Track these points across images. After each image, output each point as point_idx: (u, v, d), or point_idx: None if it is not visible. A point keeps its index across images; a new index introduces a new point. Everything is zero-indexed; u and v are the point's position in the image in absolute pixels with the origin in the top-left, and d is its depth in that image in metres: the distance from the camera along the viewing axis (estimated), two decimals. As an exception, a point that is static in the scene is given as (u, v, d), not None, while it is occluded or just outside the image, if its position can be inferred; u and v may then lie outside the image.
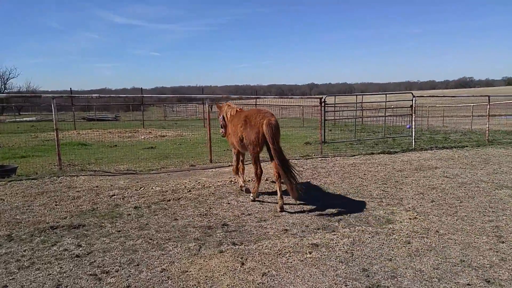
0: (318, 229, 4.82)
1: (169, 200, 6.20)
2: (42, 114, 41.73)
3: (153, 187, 7.11)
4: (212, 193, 6.63)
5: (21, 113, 44.35)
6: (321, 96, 10.95)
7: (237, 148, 6.45)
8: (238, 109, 6.69)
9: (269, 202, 6.08)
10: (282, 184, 5.68)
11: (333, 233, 4.66)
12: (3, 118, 33.75)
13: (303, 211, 5.57)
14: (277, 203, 5.70)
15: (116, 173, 8.61)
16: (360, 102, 11.42)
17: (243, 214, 5.48)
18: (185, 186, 7.17)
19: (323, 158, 10.31)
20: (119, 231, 4.75)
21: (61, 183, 7.52)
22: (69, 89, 22.88)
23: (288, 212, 5.55)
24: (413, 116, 12.05)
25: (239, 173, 6.85)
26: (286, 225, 4.97)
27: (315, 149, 12.37)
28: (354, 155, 10.81)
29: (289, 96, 13.85)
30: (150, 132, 19.98)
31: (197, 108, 43.29)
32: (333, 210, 5.58)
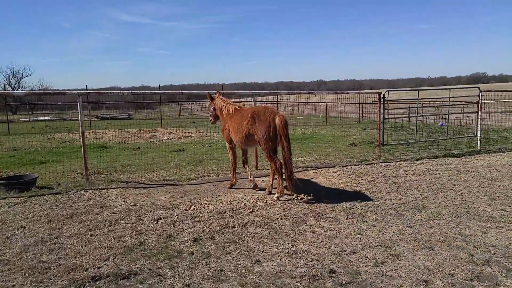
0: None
1: (234, 227, 4.81)
2: (55, 113, 40.84)
3: (205, 205, 5.73)
4: (283, 215, 5.22)
5: (34, 112, 43.49)
6: (380, 91, 9.46)
7: (238, 144, 6.61)
8: (237, 107, 6.87)
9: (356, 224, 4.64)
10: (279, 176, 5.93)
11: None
12: (16, 117, 32.80)
13: (432, 249, 4.13)
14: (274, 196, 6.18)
15: (152, 185, 7.25)
16: (421, 99, 9.85)
17: (344, 251, 4.06)
18: (244, 204, 5.77)
19: (386, 164, 8.84)
20: (188, 286, 3.35)
21: (90, 199, 6.17)
22: (85, 87, 21.63)
23: (409, 249, 4.11)
24: (479, 114, 10.48)
25: (235, 170, 7.04)
26: (419, 271, 3.54)
27: (367, 152, 10.90)
28: (419, 159, 9.32)
29: (345, 92, 12.38)
30: (172, 132, 18.65)
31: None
32: (472, 248, 4.13)
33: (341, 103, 30.91)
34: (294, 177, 5.84)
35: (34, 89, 57.29)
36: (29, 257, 4.04)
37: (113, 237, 4.51)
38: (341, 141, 13.58)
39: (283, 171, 5.93)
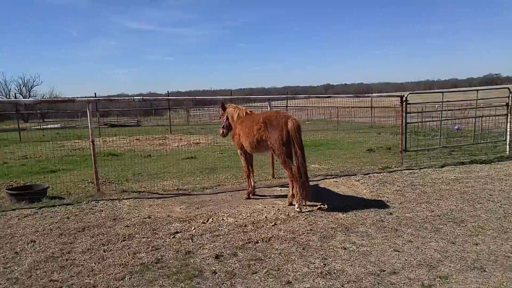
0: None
1: (257, 242, 4.44)
2: (65, 120, 40.98)
3: (224, 218, 5.37)
4: (309, 229, 4.84)
5: (45, 120, 43.72)
6: (401, 94, 9.06)
7: (248, 150, 6.30)
8: (248, 111, 6.67)
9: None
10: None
11: None
12: (28, 125, 32.93)
13: (483, 270, 3.70)
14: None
15: (166, 195, 6.92)
16: (446, 101, 9.39)
17: (382, 270, 3.66)
18: (265, 217, 5.40)
19: (410, 171, 8.40)
20: (216, 311, 2.99)
21: (102, 211, 5.85)
22: (94, 94, 21.55)
23: (457, 270, 3.69)
24: (509, 116, 9.99)
25: (250, 176, 6.63)
26: (473, 298, 3.13)
27: (386, 158, 10.48)
28: (444, 166, 8.86)
29: (367, 95, 12.01)
30: (181, 139, 18.39)
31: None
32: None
33: (353, 107, 30.43)
34: (308, 186, 5.52)
35: (44, 97, 57.80)
36: (39, 275, 3.72)
37: (128, 253, 4.17)
38: (358, 147, 13.15)
39: (297, 177, 5.55)
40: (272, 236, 4.61)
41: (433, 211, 5.49)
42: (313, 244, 4.36)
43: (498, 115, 10.42)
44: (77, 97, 6.46)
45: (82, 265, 3.91)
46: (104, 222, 5.28)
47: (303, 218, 5.28)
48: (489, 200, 6.00)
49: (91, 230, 4.96)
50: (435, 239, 4.42)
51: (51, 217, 5.59)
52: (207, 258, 4.01)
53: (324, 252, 4.12)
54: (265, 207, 5.92)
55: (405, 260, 3.87)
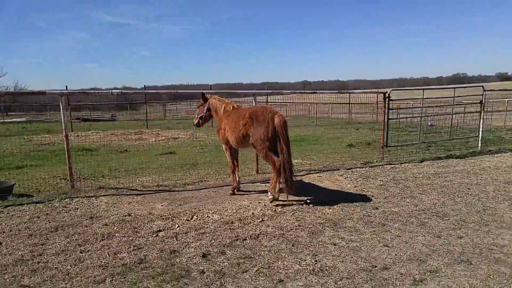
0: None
1: (245, 239, 4.28)
2: (31, 114, 39.22)
3: (209, 215, 5.17)
4: (298, 225, 4.72)
5: (8, 113, 41.64)
6: (385, 90, 9.09)
7: (234, 145, 6.13)
8: (235, 106, 6.47)
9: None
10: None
11: None
12: (-9, 119, 31.20)
13: (470, 263, 3.70)
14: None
15: (146, 191, 6.63)
16: (426, 98, 9.51)
17: (374, 266, 3.59)
18: (252, 213, 5.24)
19: (391, 166, 8.46)
20: (206, 315, 2.81)
21: (77, 209, 5.52)
22: (65, 88, 20.62)
23: (446, 263, 3.67)
24: (482, 114, 10.26)
25: (236, 172, 6.48)
26: (468, 292, 3.10)
27: (366, 153, 10.54)
28: (423, 161, 8.99)
29: (349, 91, 12.01)
30: (158, 134, 17.94)
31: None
32: None
33: (333, 103, 30.75)
34: (292, 181, 5.47)
35: (8, 89, 54.97)
36: (7, 280, 3.41)
37: (108, 254, 3.91)
38: (338, 142, 13.20)
39: (282, 173, 5.46)
40: (261, 232, 4.46)
41: (417, 206, 5.50)
42: (302, 240, 4.25)
43: (472, 112, 10.70)
44: (48, 90, 5.98)
45: (56, 268, 3.62)
46: (79, 221, 4.97)
47: (290, 214, 5.16)
48: (468, 194, 6.09)
49: (65, 229, 4.64)
50: (421, 233, 4.40)
51: (19, 216, 5.20)
52: (194, 257, 3.82)
53: (314, 248, 4.01)
54: (251, 203, 5.76)
55: (395, 255, 3.82)
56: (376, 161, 9.01)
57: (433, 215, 5.05)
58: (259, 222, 4.86)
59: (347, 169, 8.17)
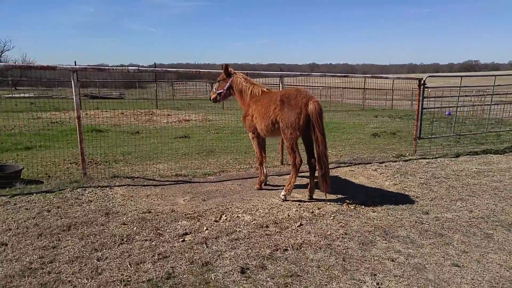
0: None
1: (287, 250, 3.68)
2: (39, 90, 38.68)
3: (239, 215, 4.58)
4: (343, 233, 4.11)
5: (17, 88, 41.16)
6: (420, 76, 8.32)
7: (263, 133, 5.48)
8: (265, 89, 5.73)
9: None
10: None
11: None
12: (-2, 93, 30.72)
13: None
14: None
15: (164, 182, 6.05)
16: (464, 86, 8.72)
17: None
18: (287, 215, 4.63)
19: (427, 161, 7.77)
20: None
21: (91, 202, 4.95)
22: (73, 63, 19.91)
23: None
24: (522, 105, 9.48)
25: (263, 164, 5.83)
26: None
27: (393, 144, 9.84)
28: (459, 156, 8.30)
29: (384, 76, 11.20)
30: (169, 115, 17.31)
31: (207, 87, 40.36)
32: None
33: (349, 88, 29.84)
34: (329, 178, 4.90)
35: (16, 63, 54.33)
36: (13, 294, 2.85)
37: (130, 263, 3.34)
38: (360, 130, 12.50)
39: (317, 168, 4.95)
40: (303, 242, 3.86)
41: (472, 211, 4.87)
42: (353, 253, 3.64)
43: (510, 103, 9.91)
44: (59, 65, 5.32)
45: (70, 281, 3.06)
46: (94, 217, 4.40)
47: (331, 218, 4.55)
48: (528, 198, 5.43)
49: (79, 228, 4.07)
50: (492, 249, 3.78)
51: (27, 209, 4.64)
52: (231, 272, 3.23)
53: (369, 265, 3.41)
54: (283, 201, 5.15)
55: (472, 279, 3.21)
56: (409, 154, 8.33)
57: (496, 225, 4.41)
58: (298, 226, 4.26)
59: (380, 163, 7.51)
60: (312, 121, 4.86)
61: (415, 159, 7.94)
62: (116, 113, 16.56)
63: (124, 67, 5.95)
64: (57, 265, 3.30)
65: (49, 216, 4.40)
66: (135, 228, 4.10)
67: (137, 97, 33.45)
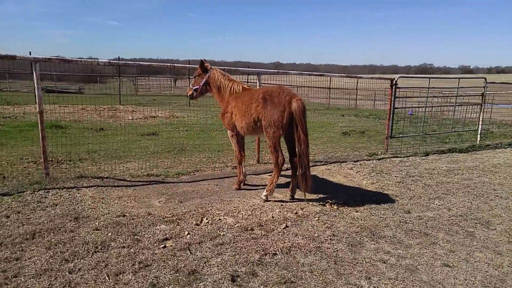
0: None
1: (276, 254, 3.51)
2: (-11, 82, 35.90)
3: (221, 217, 4.35)
4: (331, 234, 4.01)
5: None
6: (392, 77, 8.45)
7: (243, 131, 5.27)
8: (245, 86, 5.53)
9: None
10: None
11: None
12: None
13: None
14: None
15: (136, 182, 5.68)
16: (433, 88, 8.96)
17: (446, 295, 2.95)
18: (271, 216, 4.46)
19: (399, 159, 7.91)
20: None
21: (56, 205, 4.50)
22: (28, 53, 18.53)
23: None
24: (483, 106, 9.92)
25: (242, 163, 5.60)
26: None
27: (363, 142, 9.98)
28: (428, 155, 8.54)
29: (359, 76, 11.23)
30: (134, 111, 16.59)
31: (171, 82, 39.46)
32: None
33: (311, 87, 30.19)
34: (310, 178, 4.76)
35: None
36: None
37: (107, 275, 3.02)
38: (330, 129, 12.58)
39: (298, 168, 4.80)
40: (292, 245, 3.70)
41: (450, 209, 4.95)
42: (344, 255, 3.54)
43: (473, 104, 10.37)
44: (19, 54, 4.81)
45: (41, 297, 2.70)
46: (62, 223, 3.99)
47: (316, 218, 4.44)
48: (497, 196, 5.62)
49: (45, 236, 3.66)
50: (477, 248, 3.82)
51: (-16, 214, 4.14)
52: (221, 281, 3.01)
53: (362, 268, 3.32)
54: (266, 203, 4.97)
55: (465, 280, 3.20)
56: (381, 153, 8.45)
57: (475, 223, 4.49)
58: (283, 229, 4.11)
59: (355, 162, 7.54)
60: (295, 120, 4.72)
61: (388, 157, 8.07)
62: (77, 109, 15.62)
63: (93, 60, 5.50)
64: (23, 279, 2.92)
65: (8, 223, 3.94)
66: (110, 234, 3.75)
67: (98, 92, 31.96)
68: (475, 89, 10.29)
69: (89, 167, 6.46)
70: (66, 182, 5.40)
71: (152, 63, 6.62)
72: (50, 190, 5.02)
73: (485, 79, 9.85)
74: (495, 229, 4.35)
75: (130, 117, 14.23)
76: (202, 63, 5.74)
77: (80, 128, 10.91)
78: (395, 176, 6.53)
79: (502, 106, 14.19)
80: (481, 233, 4.20)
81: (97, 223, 4.00)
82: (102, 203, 4.65)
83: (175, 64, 6.09)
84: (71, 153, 7.46)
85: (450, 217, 4.65)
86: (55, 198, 4.73)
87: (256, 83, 7.04)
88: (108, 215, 4.25)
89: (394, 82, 8.35)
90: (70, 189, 5.10)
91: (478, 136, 10.16)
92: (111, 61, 5.70)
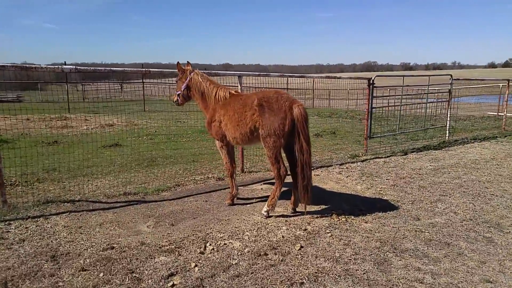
0: None
1: (303, 283, 3.07)
2: None
3: (226, 242, 3.82)
4: (353, 253, 3.64)
5: None
6: (369, 76, 8.35)
7: (237, 142, 4.77)
8: (233, 91, 5.04)
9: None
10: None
11: None
12: None
13: None
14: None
15: (114, 203, 4.95)
16: (406, 86, 9.05)
17: (502, 317, 2.68)
18: (281, 236, 4.01)
19: (383, 160, 7.81)
20: None
21: (23, 241, 3.71)
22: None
23: None
24: (450, 103, 10.22)
25: (234, 175, 5.13)
26: None
27: (337, 144, 9.87)
28: (406, 154, 8.56)
29: (337, 76, 11.00)
30: (87, 120, 15.30)
31: (123, 87, 37.57)
32: None
33: (287, 88, 29.99)
34: (311, 189, 4.42)
35: None
36: None
37: (111, 334, 2.39)
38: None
39: (299, 179, 4.40)
40: (317, 270, 3.28)
41: (457, 213, 4.81)
42: (376, 277, 3.18)
43: (441, 101, 10.67)
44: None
45: None
46: (37, 264, 3.24)
47: (328, 234, 4.06)
48: (493, 194, 5.62)
49: (20, 286, 2.91)
50: (504, 256, 3.66)
51: None
52: (255, 327, 2.50)
53: (402, 292, 2.98)
54: (265, 218, 4.51)
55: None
56: (362, 154, 8.33)
57: (488, 227, 4.37)
58: (299, 250, 3.68)
59: (340, 165, 7.32)
60: (297, 127, 4.34)
61: (370, 158, 7.95)
62: (20, 119, 14.04)
63: (56, 66, 4.69)
64: None
65: (-35, 271, 3.11)
66: (101, 275, 3.09)
67: (40, 100, 29.44)
68: (442, 86, 10.58)
69: (52, 189, 5.60)
70: (29, 210, 4.55)
71: (126, 69, 5.89)
72: (11, 222, 4.17)
73: (451, 76, 10.15)
74: (509, 232, 4.25)
75: (85, 127, 13.05)
76: (178, 65, 5.25)
77: (30, 142, 9.69)
78: (387, 179, 6.37)
79: (463, 101, 14.94)
80: (499, 239, 4.05)
81: (81, 261, 3.30)
82: (81, 233, 3.92)
83: (151, 69, 5.42)
84: (26, 172, 6.47)
85: (461, 222, 4.50)
86: (20, 232, 3.92)
87: (238, 85, 6.54)
88: (92, 248, 3.55)
89: (371, 81, 8.26)
90: (36, 219, 4.28)
91: (447, 132, 10.43)
92: (79, 67, 4.89)
